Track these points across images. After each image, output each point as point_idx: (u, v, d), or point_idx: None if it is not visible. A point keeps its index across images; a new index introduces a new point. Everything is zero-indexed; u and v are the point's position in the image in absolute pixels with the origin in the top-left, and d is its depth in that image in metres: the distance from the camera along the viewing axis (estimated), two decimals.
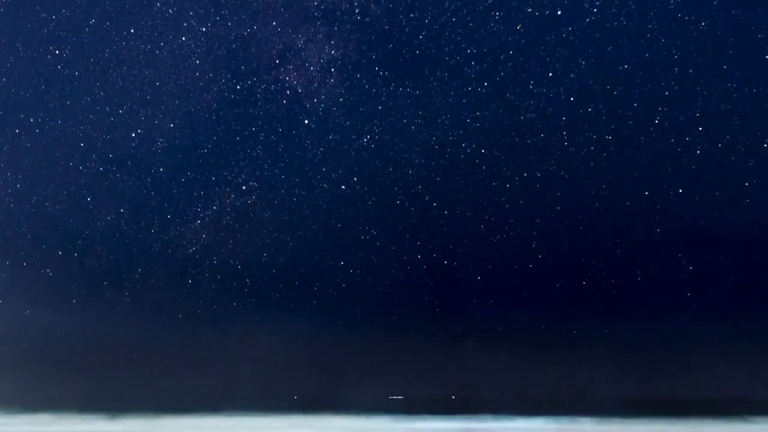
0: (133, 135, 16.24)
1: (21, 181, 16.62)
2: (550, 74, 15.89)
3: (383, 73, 15.85)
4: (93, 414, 16.82)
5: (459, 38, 15.81)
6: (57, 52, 15.99)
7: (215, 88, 15.99)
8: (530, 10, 15.71)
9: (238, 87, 15.97)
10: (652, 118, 15.96)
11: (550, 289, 16.70)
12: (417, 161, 16.15)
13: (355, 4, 15.57)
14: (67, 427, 15.57)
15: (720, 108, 15.88)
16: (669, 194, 16.19)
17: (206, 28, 15.76)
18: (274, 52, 15.85)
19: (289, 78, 15.85)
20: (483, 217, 16.19)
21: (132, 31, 15.80)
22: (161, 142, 16.27)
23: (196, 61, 15.84)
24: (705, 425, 15.84)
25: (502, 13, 15.71)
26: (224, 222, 16.39)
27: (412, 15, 15.71)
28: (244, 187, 16.35)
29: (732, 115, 15.83)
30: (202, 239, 16.52)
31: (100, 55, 15.93)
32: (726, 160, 15.91)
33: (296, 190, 16.21)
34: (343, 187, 16.22)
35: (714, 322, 16.00)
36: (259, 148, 16.21)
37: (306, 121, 16.03)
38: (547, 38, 15.80)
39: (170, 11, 15.72)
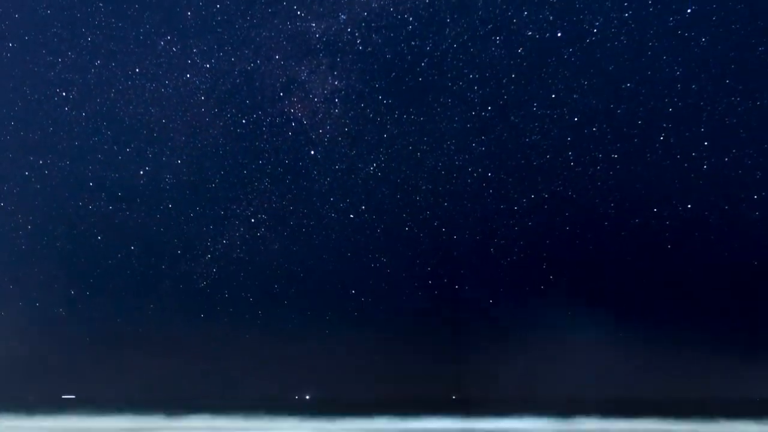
0: (141, 173, 16.38)
1: (31, 222, 16.76)
2: (553, 96, 15.96)
3: (387, 101, 15.97)
4: None
5: (461, 64, 15.93)
6: (64, 93, 16.21)
7: (221, 123, 16.16)
8: (530, 33, 15.82)
9: (244, 121, 16.13)
10: (657, 135, 15.98)
11: (559, 308, 16.68)
12: (424, 187, 16.22)
13: (357, 35, 15.74)
14: None
15: (725, 122, 15.89)
16: (678, 210, 16.16)
17: (210, 64, 15.95)
18: (278, 85, 16.02)
19: (294, 110, 16.00)
20: (492, 241, 16.22)
21: (137, 70, 16.00)
22: (169, 179, 16.41)
23: (201, 97, 16.03)
24: (705, 425, 15.93)
25: (502, 38, 15.83)
26: (234, 255, 16.47)
27: (413, 43, 15.85)
28: (252, 220, 16.44)
29: (737, 129, 15.83)
30: (212, 273, 16.60)
31: (106, 96, 16.13)
32: (733, 173, 15.90)
33: (305, 221, 16.29)
34: (351, 215, 16.29)
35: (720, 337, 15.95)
36: (266, 181, 16.33)
37: (312, 152, 16.15)
38: (549, 60, 15.89)
39: (174, 49, 15.92)
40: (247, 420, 16.94)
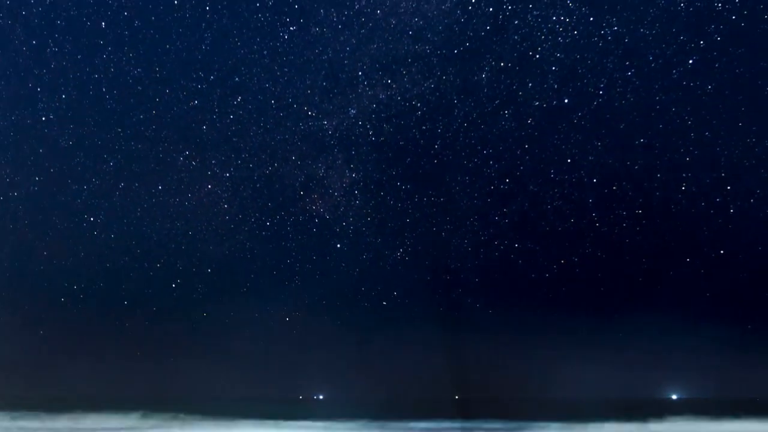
0: (173, 285, 16.63)
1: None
2: (569, 160, 16.10)
3: (406, 186, 16.21)
4: None
5: (473, 141, 16.18)
6: (92, 219, 16.64)
7: (246, 228, 16.45)
8: (537, 103, 16.08)
9: (268, 224, 16.41)
10: (679, 186, 15.99)
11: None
12: (453, 266, 16.27)
13: (368, 126, 16.09)
14: None
15: (744, 164, 15.89)
16: (711, 256, 16.06)
17: (229, 173, 16.36)
18: (297, 185, 16.34)
19: (316, 207, 16.27)
20: (524, 313, 16.18)
21: (159, 188, 16.43)
22: (201, 288, 16.63)
23: (224, 206, 16.37)
24: (706, 425, 15.66)
25: (510, 111, 16.10)
26: (273, 357, 16.55)
27: (424, 127, 16.16)
28: (287, 318, 16.53)
29: (758, 169, 15.81)
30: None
31: (132, 216, 16.55)
32: (761, 214, 15.81)
33: (337, 314, 16.37)
34: (384, 302, 16.32)
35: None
36: (296, 279, 16.48)
37: (338, 246, 16.31)
38: (559, 127, 16.09)
39: (193, 163, 16.37)
40: (248, 420, 16.75)
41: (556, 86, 15.88)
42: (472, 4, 15.58)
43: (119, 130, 16.28)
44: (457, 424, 16.22)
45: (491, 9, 15.48)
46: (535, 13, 15.54)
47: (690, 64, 15.70)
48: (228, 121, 16.13)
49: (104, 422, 17.20)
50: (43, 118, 16.13)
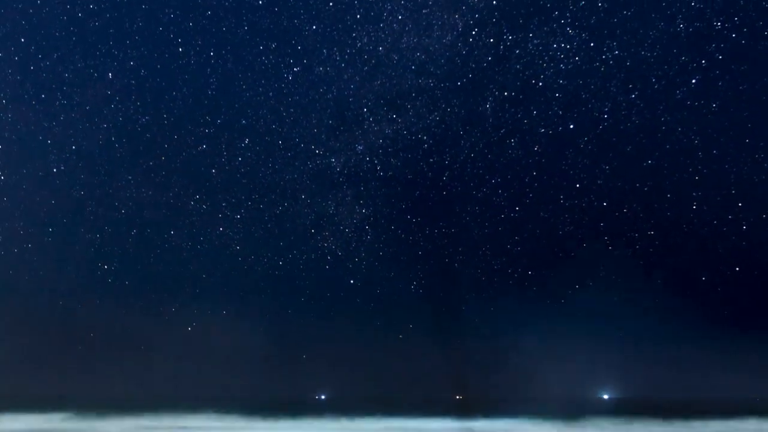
0: (189, 329, 16.65)
1: None
2: (578, 185, 16.11)
3: (416, 219, 16.25)
4: None
5: (481, 171, 16.24)
6: (106, 267, 16.75)
7: (259, 269, 16.51)
8: (543, 130, 16.13)
9: (281, 263, 16.47)
10: (689, 205, 15.93)
11: None
12: (467, 296, 16.24)
13: (376, 161, 16.19)
14: None
15: (754, 180, 15.84)
16: (726, 274, 15.95)
17: (240, 215, 16.45)
18: (308, 222, 16.42)
19: (328, 244, 16.31)
20: (540, 341, 16.13)
21: (172, 232, 16.54)
22: (216, 329, 16.64)
23: (236, 247, 16.45)
24: (705, 425, 15.47)
25: (516, 139, 16.16)
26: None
27: (431, 159, 16.25)
28: (304, 356, 16.52)
29: None
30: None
31: (146, 262, 16.67)
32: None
33: (352, 349, 16.35)
34: (400, 336, 16.29)
35: None
36: (311, 315, 16.48)
37: (351, 281, 16.33)
38: (566, 152, 16.12)
39: (204, 207, 16.49)
40: (249, 420, 16.58)
41: (560, 112, 15.97)
42: (473, 36, 15.74)
43: (129, 177, 16.47)
44: None
45: (492, 40, 15.64)
46: (535, 41, 15.68)
47: (693, 83, 15.76)
48: (236, 163, 16.29)
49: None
50: (54, 170, 16.34)
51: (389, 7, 15.29)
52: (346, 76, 15.69)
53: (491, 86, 15.85)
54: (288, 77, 15.80)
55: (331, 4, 15.28)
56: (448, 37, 15.57)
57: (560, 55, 15.79)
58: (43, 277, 16.85)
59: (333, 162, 16.12)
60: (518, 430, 15.55)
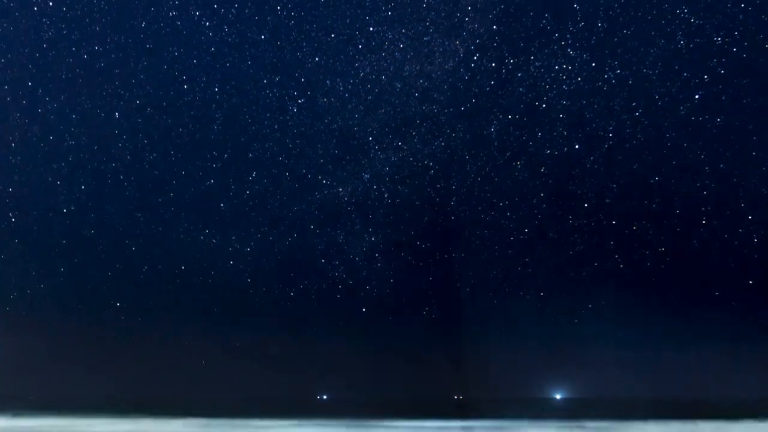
0: (203, 362, 16.67)
1: None
2: (586, 205, 16.11)
3: (425, 246, 16.27)
4: None
5: (489, 195, 16.26)
6: (117, 304, 16.83)
7: (270, 301, 16.54)
8: (549, 151, 16.16)
9: (292, 294, 16.48)
10: (699, 221, 15.91)
11: None
12: (478, 320, 16.20)
13: (383, 189, 16.24)
14: None
15: (763, 192, 15.81)
16: (737, 288, 15.88)
17: (250, 248, 16.50)
18: (317, 253, 16.43)
19: (338, 273, 16.32)
20: (564, 368, 16.07)
21: (183, 267, 16.63)
22: (233, 364, 16.67)
23: (247, 280, 16.48)
24: (705, 425, 15.25)
25: (523, 161, 16.19)
26: None
27: (438, 186, 16.29)
28: (315, 388, 16.48)
29: None
30: None
31: (157, 298, 16.72)
32: None
33: (368, 383, 16.35)
34: (414, 364, 16.25)
35: None
36: (323, 346, 16.47)
37: (364, 310, 16.31)
38: (573, 173, 16.14)
39: (213, 240, 16.55)
40: (250, 420, 16.41)
41: (565, 133, 16.00)
42: (475, 61, 15.84)
43: (138, 215, 16.56)
44: None
45: (494, 64, 15.73)
46: (537, 64, 15.76)
47: (696, 99, 15.77)
48: (245, 197, 16.37)
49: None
50: (64, 210, 16.46)
51: (390, 36, 15.42)
52: (350, 106, 15.81)
53: (495, 110, 15.94)
54: (293, 109, 15.94)
55: (333, 35, 15.43)
56: (450, 63, 15.69)
57: (562, 77, 15.87)
58: (57, 315, 16.92)
59: (340, 191, 16.20)
60: (518, 430, 15.41)
